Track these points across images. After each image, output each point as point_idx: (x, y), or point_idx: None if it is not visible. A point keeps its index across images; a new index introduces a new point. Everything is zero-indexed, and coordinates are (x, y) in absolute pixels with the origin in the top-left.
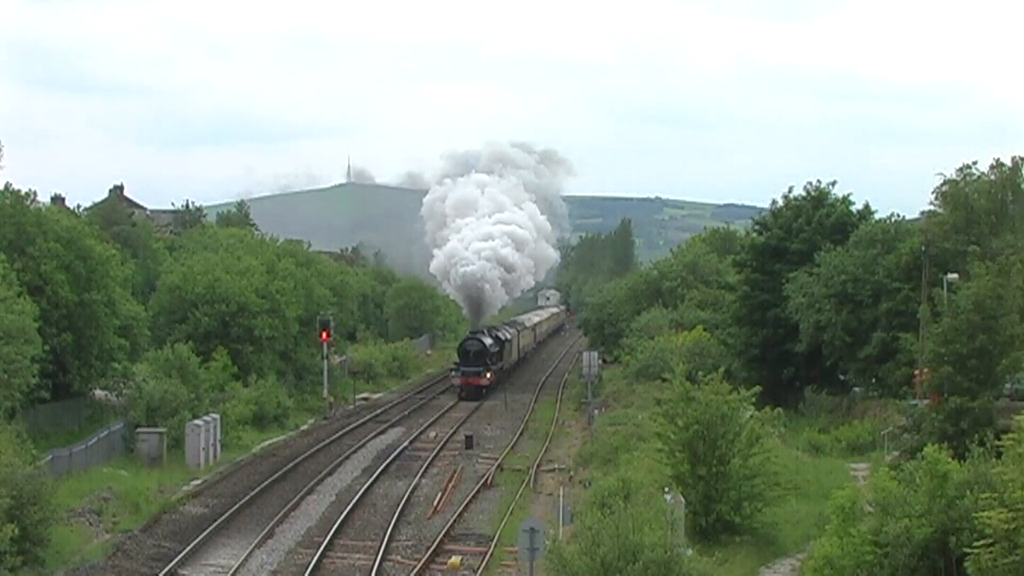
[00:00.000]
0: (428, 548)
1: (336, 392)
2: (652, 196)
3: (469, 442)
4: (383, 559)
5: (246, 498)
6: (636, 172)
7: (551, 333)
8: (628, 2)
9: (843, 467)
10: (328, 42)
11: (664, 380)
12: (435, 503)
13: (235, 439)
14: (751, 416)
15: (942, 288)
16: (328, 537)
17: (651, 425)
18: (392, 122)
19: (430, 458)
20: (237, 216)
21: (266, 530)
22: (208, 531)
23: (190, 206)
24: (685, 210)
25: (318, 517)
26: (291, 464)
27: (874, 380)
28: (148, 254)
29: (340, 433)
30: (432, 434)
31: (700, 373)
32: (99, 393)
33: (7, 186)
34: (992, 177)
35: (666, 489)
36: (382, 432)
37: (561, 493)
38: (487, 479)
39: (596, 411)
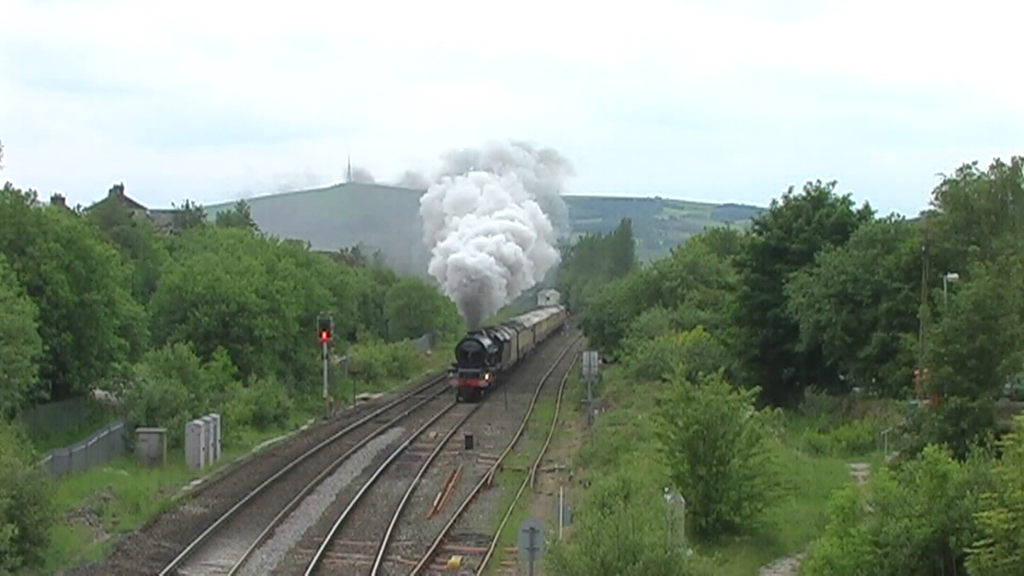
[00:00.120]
0: (428, 548)
1: (336, 392)
2: (652, 196)
3: (469, 442)
4: (383, 559)
5: (246, 498)
6: (636, 172)
7: (551, 333)
8: (628, 2)
9: (843, 467)
10: (328, 42)
11: (664, 380)
12: (435, 503)
13: (235, 439)
14: (751, 416)
15: (942, 288)
16: (328, 537)
17: (651, 425)
18: (392, 122)
19: (430, 458)
20: (237, 216)
21: (266, 530)
22: (208, 531)
23: (190, 206)
24: (685, 210)
25: (318, 517)
26: (291, 464)
27: (874, 380)
28: (148, 254)
29: (340, 433)
30: (432, 434)
31: (700, 373)
32: (99, 393)
33: (7, 186)
34: (992, 177)
35: (666, 489)
36: (382, 432)
37: (561, 493)
38: (487, 479)
39: (596, 411)
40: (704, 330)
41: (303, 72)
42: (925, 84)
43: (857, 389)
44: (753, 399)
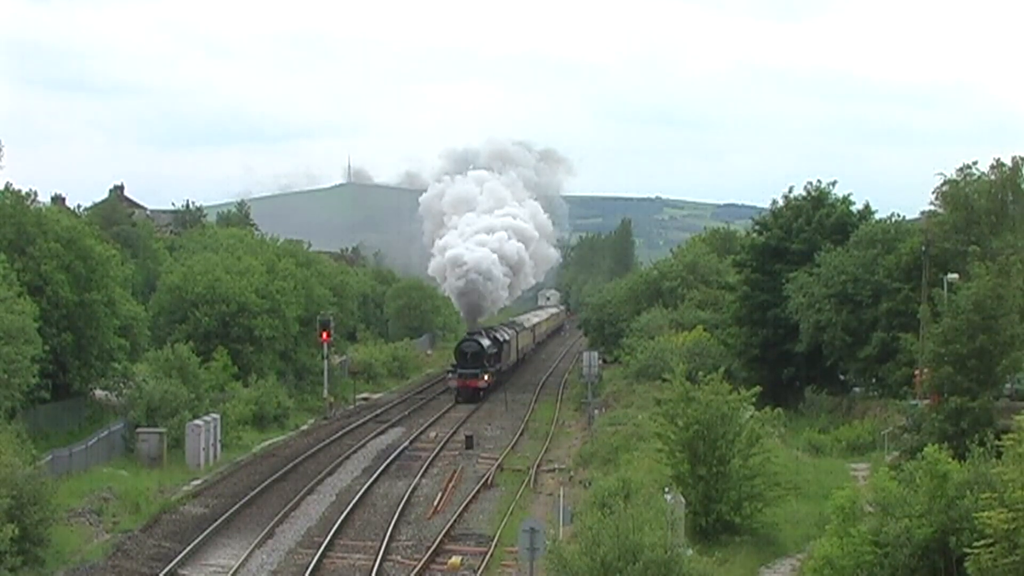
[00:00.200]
0: (428, 548)
1: (336, 392)
2: (652, 196)
3: (469, 442)
4: (383, 559)
5: (246, 498)
6: (636, 172)
7: (551, 334)
8: (628, 2)
9: (843, 467)
10: (328, 42)
11: (664, 380)
12: (435, 503)
13: (235, 439)
14: (751, 416)
15: (942, 288)
16: (328, 537)
17: (651, 425)
18: (392, 122)
19: (430, 458)
20: (237, 216)
21: (266, 530)
22: (208, 531)
23: (190, 206)
24: (685, 210)
25: (318, 517)
26: (291, 464)
27: (874, 380)
28: (148, 254)
29: (340, 433)
30: (432, 434)
31: (700, 373)
32: (99, 393)
33: (7, 186)
34: (992, 177)
35: (666, 489)
36: (382, 432)
37: (561, 493)
38: (487, 479)
39: (596, 411)
40: (704, 330)
41: (303, 72)
42: (925, 84)
43: (857, 389)
44: (753, 399)
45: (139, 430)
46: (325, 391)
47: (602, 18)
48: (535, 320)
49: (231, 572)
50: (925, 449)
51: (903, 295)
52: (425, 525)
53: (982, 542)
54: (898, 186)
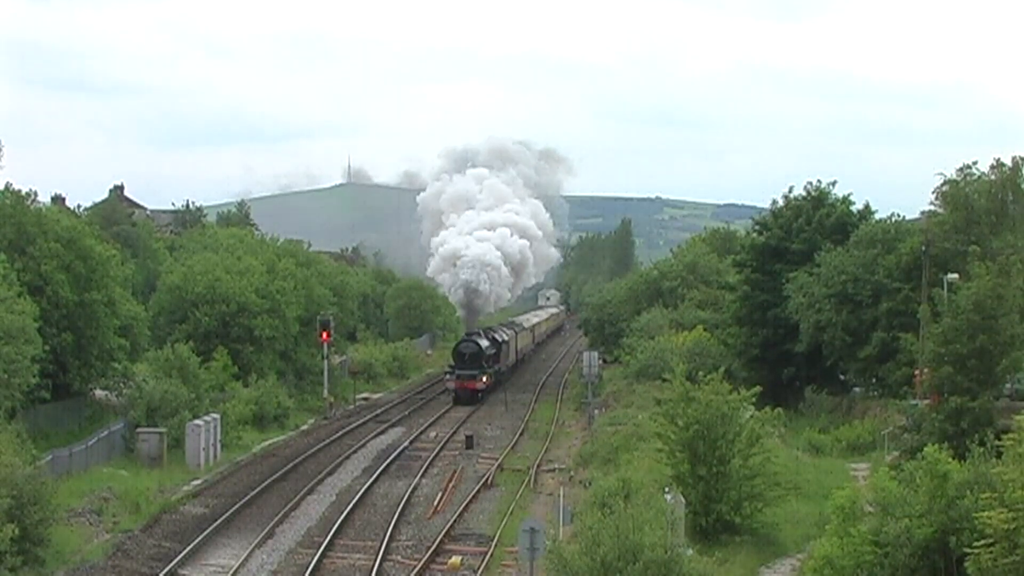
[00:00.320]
0: (428, 548)
1: (336, 392)
2: (652, 196)
3: (469, 442)
4: (383, 559)
5: (246, 498)
6: (636, 172)
7: (550, 334)
8: (628, 2)
9: (843, 467)
10: (328, 42)
11: (664, 380)
12: (435, 503)
13: (235, 439)
14: (751, 416)
15: (942, 288)
16: (328, 537)
17: (651, 425)
18: (392, 122)
19: (430, 458)
20: (237, 216)
21: (266, 530)
22: (208, 531)
23: (190, 206)
24: (685, 210)
25: (318, 517)
26: (291, 464)
27: (874, 380)
28: (148, 254)
29: (340, 433)
30: (432, 434)
31: (700, 373)
32: (99, 393)
33: (7, 186)
34: (992, 177)
35: (666, 489)
36: (382, 432)
37: (561, 493)
38: (487, 479)
39: (596, 411)
40: (704, 330)
41: (303, 72)
42: (925, 84)
43: (857, 389)
44: (753, 399)
45: (139, 430)
46: (325, 391)
47: (602, 18)
48: (534, 320)
49: (231, 572)
50: (925, 449)
51: (903, 295)
52: (425, 525)
53: (982, 542)
54: (898, 186)
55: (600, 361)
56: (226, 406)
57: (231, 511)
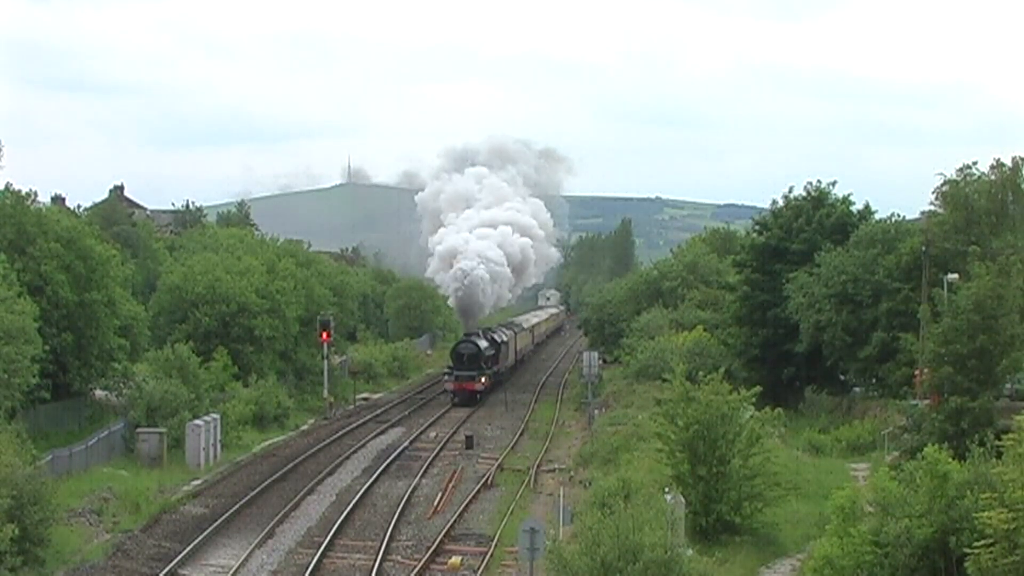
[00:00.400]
0: (428, 548)
1: (336, 392)
2: (652, 196)
3: (469, 442)
4: (383, 559)
5: (246, 498)
6: (636, 172)
7: (550, 334)
8: (628, 2)
9: (843, 467)
10: (328, 42)
11: (664, 380)
12: (435, 503)
13: (235, 439)
14: (751, 416)
15: (942, 288)
16: (328, 537)
17: (651, 425)
18: (392, 122)
19: (430, 458)
20: (237, 216)
21: (266, 530)
22: (208, 531)
23: (190, 206)
24: (685, 210)
25: (318, 517)
26: (291, 464)
27: (874, 380)
28: (148, 254)
29: (340, 433)
30: (432, 434)
31: (700, 373)
32: (99, 393)
33: (7, 186)
34: (992, 177)
35: (666, 489)
36: (382, 432)
37: (561, 493)
38: (487, 479)
39: (596, 411)
40: (704, 330)
41: (303, 72)
42: (925, 84)
43: (857, 389)
44: (753, 399)
45: (139, 430)
46: (325, 391)
47: (602, 18)
48: (534, 320)
49: (231, 572)
50: (925, 449)
51: (903, 295)
52: (425, 525)
53: (982, 542)
54: (898, 186)
55: (600, 361)
56: (226, 406)
57: (231, 511)
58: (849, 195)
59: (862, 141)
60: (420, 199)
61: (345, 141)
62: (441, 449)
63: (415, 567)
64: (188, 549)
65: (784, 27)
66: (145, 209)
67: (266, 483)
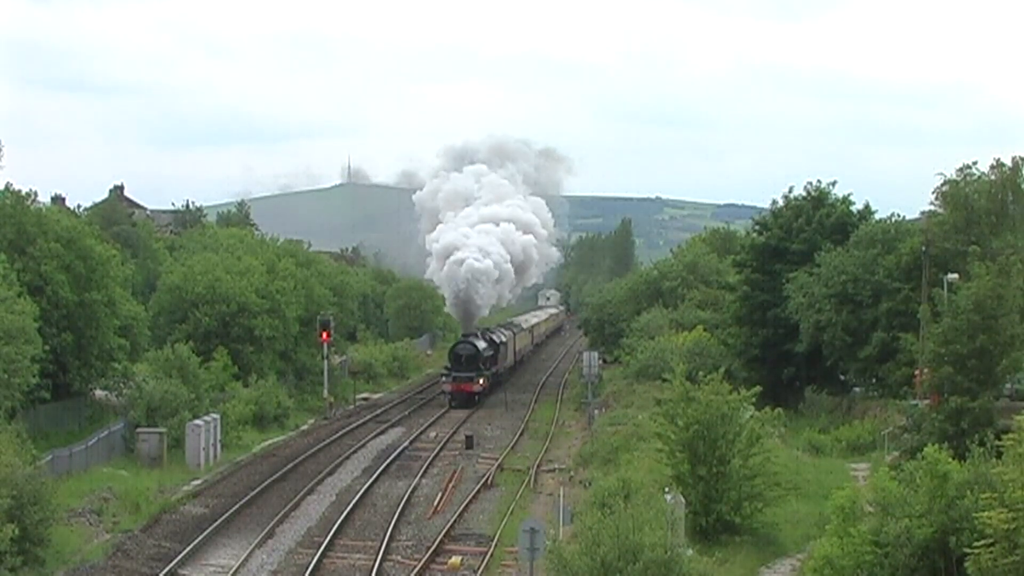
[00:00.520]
0: (428, 548)
1: (336, 392)
2: (652, 196)
3: (469, 442)
4: (383, 559)
5: (246, 498)
6: (636, 172)
7: (550, 334)
8: (628, 2)
9: (843, 467)
10: (328, 42)
11: (664, 380)
12: (435, 503)
13: (235, 439)
14: (751, 416)
15: (942, 288)
16: (328, 537)
17: (651, 425)
18: (391, 122)
19: (430, 458)
20: (237, 216)
21: (266, 530)
22: (208, 531)
23: (190, 206)
24: (685, 210)
25: (318, 517)
26: (291, 464)
27: (874, 380)
28: (148, 254)
29: (340, 433)
30: (432, 434)
31: (700, 373)
32: (99, 393)
33: (7, 186)
34: (992, 177)
35: (666, 489)
36: (382, 432)
37: (561, 493)
38: (487, 479)
39: (596, 411)
40: (704, 330)
41: (303, 72)
42: (925, 84)
43: (857, 389)
44: (753, 399)
45: (139, 430)
46: (325, 391)
47: (602, 18)
48: (533, 321)
49: (231, 572)
50: (925, 449)
51: (903, 295)
52: (425, 525)
53: (982, 542)
54: (898, 186)
55: (600, 361)
56: (226, 406)
57: (231, 511)
58: (849, 195)
59: (862, 141)
60: (418, 198)
61: (345, 141)
62: (441, 449)
63: (415, 567)
64: (188, 549)
65: (784, 27)
66: (145, 209)
67: (266, 483)
